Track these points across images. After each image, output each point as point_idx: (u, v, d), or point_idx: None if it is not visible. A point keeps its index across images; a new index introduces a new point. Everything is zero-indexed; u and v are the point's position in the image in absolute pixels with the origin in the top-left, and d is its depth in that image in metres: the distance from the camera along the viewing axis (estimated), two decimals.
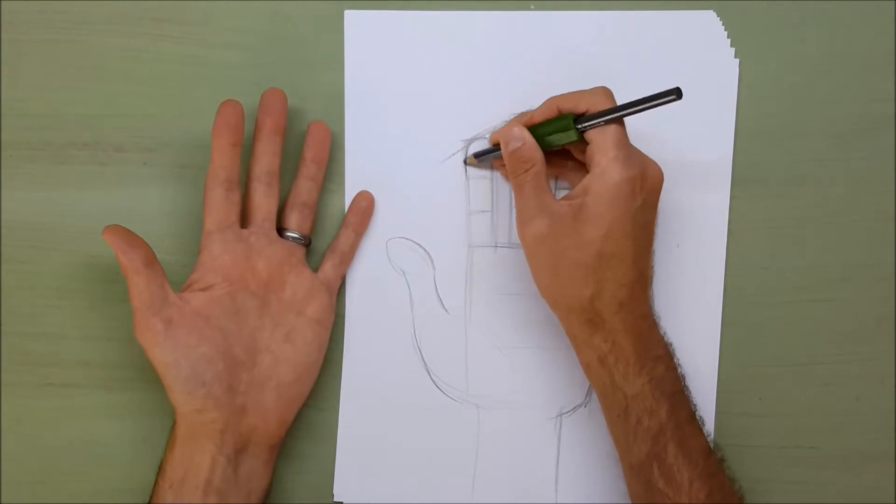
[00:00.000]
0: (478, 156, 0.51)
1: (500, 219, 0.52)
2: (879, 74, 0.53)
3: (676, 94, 0.42)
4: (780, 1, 0.53)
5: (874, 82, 0.53)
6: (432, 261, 0.52)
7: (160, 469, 0.46)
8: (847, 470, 0.53)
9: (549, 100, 0.47)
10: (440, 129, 0.52)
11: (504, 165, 0.47)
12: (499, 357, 0.52)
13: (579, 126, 0.45)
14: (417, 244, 0.52)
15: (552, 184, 0.52)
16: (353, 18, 0.52)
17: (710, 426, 0.52)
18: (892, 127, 0.53)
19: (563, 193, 0.48)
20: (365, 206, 0.51)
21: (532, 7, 0.52)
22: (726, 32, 0.52)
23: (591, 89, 0.46)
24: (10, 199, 0.50)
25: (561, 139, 0.46)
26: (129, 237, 0.44)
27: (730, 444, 0.53)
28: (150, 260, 0.45)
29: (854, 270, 0.53)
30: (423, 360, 0.52)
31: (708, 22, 0.52)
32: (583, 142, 0.46)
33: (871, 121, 0.53)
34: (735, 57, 0.52)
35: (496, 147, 0.50)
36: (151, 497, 0.46)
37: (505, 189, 0.52)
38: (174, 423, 0.46)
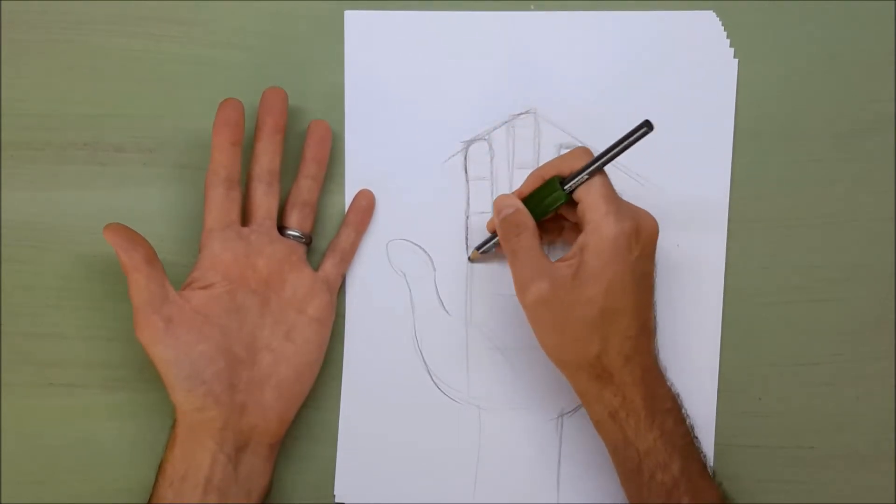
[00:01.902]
0: (479, 248, 0.51)
1: None
2: (879, 74, 0.53)
3: (647, 126, 0.44)
4: (780, 1, 0.53)
5: (874, 82, 0.53)
6: (433, 262, 0.52)
7: (160, 468, 0.46)
8: (847, 470, 0.53)
9: (532, 173, 0.48)
10: (440, 129, 0.52)
11: None
12: (500, 358, 0.52)
13: (565, 186, 0.46)
14: (418, 246, 0.52)
15: (547, 249, 0.52)
16: (353, 18, 0.52)
17: (710, 426, 0.52)
18: (892, 127, 0.53)
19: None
20: (365, 204, 0.51)
21: (532, 7, 0.52)
22: (726, 32, 0.53)
23: (569, 152, 0.47)
24: (10, 199, 0.50)
25: (551, 203, 0.47)
26: (130, 235, 0.44)
27: (730, 444, 0.53)
28: (151, 258, 0.45)
29: (854, 270, 0.53)
30: (424, 361, 0.52)
31: (708, 22, 0.52)
32: (573, 202, 0.46)
33: (871, 121, 0.53)
34: (735, 57, 0.53)
35: (494, 233, 0.50)
36: (152, 496, 0.45)
37: (505, 190, 0.52)
38: (174, 421, 0.46)
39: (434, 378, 0.52)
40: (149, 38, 0.51)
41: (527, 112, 0.52)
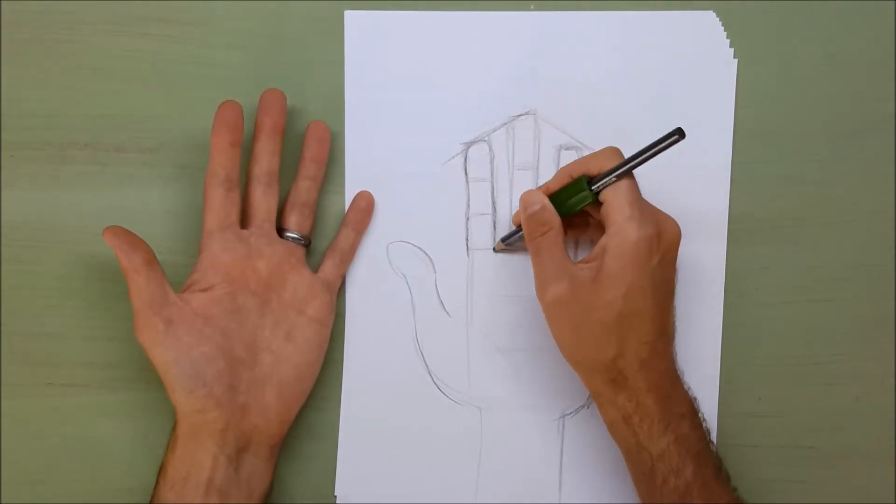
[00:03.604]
0: (504, 240, 0.51)
1: (501, 221, 0.52)
2: (879, 74, 0.53)
3: (679, 134, 0.43)
4: (780, 1, 0.53)
5: (874, 82, 0.53)
6: (433, 264, 0.52)
7: (161, 469, 0.46)
8: (847, 470, 0.53)
9: (560, 170, 0.48)
10: (440, 130, 0.52)
11: None
12: (500, 359, 0.52)
13: (592, 187, 0.46)
14: (418, 248, 0.52)
15: (573, 251, 0.52)
16: (353, 18, 0.52)
17: (711, 426, 0.52)
18: (892, 127, 0.53)
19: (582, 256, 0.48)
20: (365, 205, 0.51)
21: (532, 7, 0.52)
22: (725, 33, 0.52)
23: (598, 151, 0.47)
24: (10, 199, 0.50)
25: (578, 202, 0.46)
26: (130, 237, 0.44)
27: (730, 444, 0.53)
28: (151, 260, 0.45)
29: (854, 270, 0.53)
30: (425, 362, 0.52)
31: (707, 22, 0.52)
32: (599, 203, 0.46)
33: (871, 121, 0.53)
34: (734, 57, 0.53)
35: (520, 227, 0.49)
36: (153, 498, 0.45)
37: (505, 191, 0.52)
38: (175, 423, 0.46)
39: (435, 379, 0.52)
40: (149, 38, 0.51)
41: (527, 113, 0.52)
